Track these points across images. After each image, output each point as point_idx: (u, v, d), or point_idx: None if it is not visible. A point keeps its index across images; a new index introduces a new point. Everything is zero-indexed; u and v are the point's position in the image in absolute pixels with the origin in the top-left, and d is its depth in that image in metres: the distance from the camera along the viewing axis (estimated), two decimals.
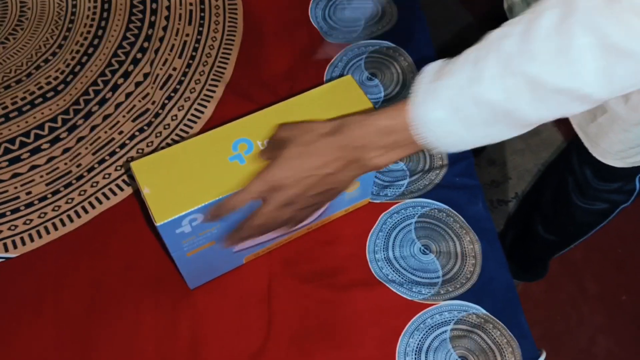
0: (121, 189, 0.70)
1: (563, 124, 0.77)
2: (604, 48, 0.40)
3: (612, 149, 0.76)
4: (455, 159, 0.74)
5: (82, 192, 0.70)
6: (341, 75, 0.81)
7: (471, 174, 0.74)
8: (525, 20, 0.44)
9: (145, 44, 0.83)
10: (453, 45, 1.55)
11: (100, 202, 0.69)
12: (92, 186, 0.70)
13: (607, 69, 0.41)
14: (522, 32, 0.44)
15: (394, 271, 0.65)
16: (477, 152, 1.37)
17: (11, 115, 0.76)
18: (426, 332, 0.61)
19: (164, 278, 0.64)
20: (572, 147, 0.90)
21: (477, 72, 0.45)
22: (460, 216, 0.70)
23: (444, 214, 0.70)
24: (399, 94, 0.80)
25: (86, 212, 0.68)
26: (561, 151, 1.00)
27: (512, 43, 0.44)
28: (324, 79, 0.81)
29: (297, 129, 0.54)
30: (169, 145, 0.74)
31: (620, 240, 1.49)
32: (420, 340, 0.61)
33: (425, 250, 0.67)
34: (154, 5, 0.88)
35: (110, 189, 0.70)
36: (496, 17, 0.88)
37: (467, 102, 0.46)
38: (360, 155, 0.52)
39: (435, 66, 0.49)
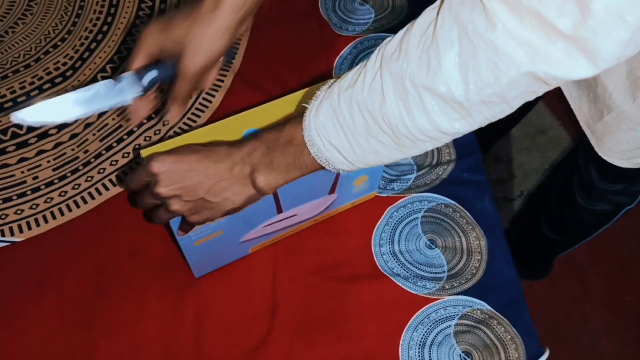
0: None
1: (571, 123, 0.76)
2: (464, 38, 0.40)
3: (617, 148, 0.76)
4: (463, 154, 0.74)
5: (89, 179, 0.70)
6: (350, 67, 0.81)
7: (479, 170, 0.73)
8: (411, 23, 0.45)
9: None
10: None
11: (107, 189, 0.69)
12: (99, 172, 0.70)
13: (464, 63, 0.41)
14: (403, 33, 0.45)
15: (399, 265, 0.65)
16: (484, 148, 1.36)
17: (19, 100, 0.76)
18: (430, 326, 0.61)
19: (170, 265, 0.64)
20: (579, 146, 0.89)
21: (357, 76, 0.47)
22: (466, 212, 0.69)
23: (451, 209, 0.69)
24: None
25: (93, 198, 0.68)
26: (569, 151, 1.00)
27: (392, 45, 0.45)
28: (333, 71, 0.81)
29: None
30: (176, 133, 0.74)
31: (624, 242, 1.48)
32: (424, 335, 0.61)
33: (431, 244, 0.67)
34: None
35: (118, 176, 0.70)
36: None
37: (343, 104, 0.47)
38: (249, 168, 0.51)
39: (334, 80, 0.50)
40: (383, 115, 0.45)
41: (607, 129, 0.74)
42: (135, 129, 0.74)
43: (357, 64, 0.80)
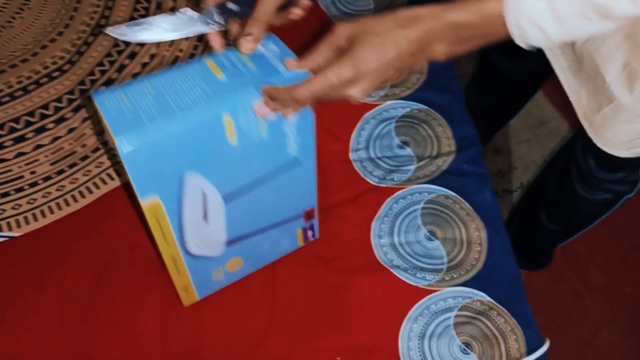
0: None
1: (570, 115, 0.76)
2: None
3: (617, 139, 0.75)
4: (464, 145, 0.74)
5: (87, 173, 0.69)
6: None
7: (479, 162, 0.73)
8: None
9: None
10: None
11: (105, 183, 0.69)
12: (96, 167, 0.70)
13: None
14: None
15: (398, 257, 0.65)
16: (484, 140, 1.36)
17: (16, 94, 0.76)
18: (430, 317, 0.61)
19: None
20: (577, 138, 0.89)
21: None
22: (467, 203, 0.69)
23: (451, 201, 0.69)
24: (407, 79, 0.79)
25: (91, 192, 0.68)
26: (566, 141, 0.99)
27: None
28: None
29: (368, 22, 0.51)
30: None
31: (624, 233, 1.48)
32: (423, 326, 0.61)
33: (431, 236, 0.67)
34: None
35: (116, 170, 0.70)
36: None
37: None
38: (431, 46, 0.50)
39: None
40: None
41: (606, 120, 0.74)
42: None
43: None
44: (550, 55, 0.77)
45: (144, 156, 0.44)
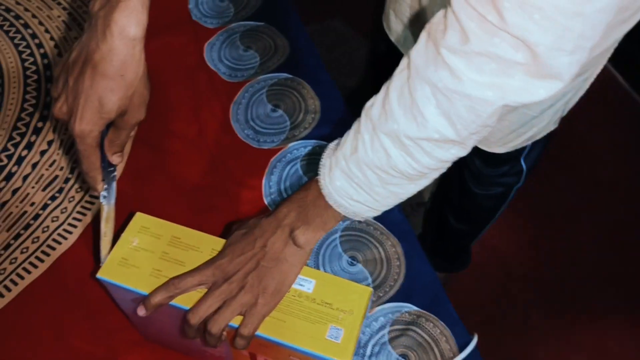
0: (42, 261, 0.69)
1: None
2: (437, 93, 0.47)
3: (493, 138, 0.84)
4: None
5: (2, 271, 0.68)
6: (246, 111, 0.85)
7: None
8: (385, 86, 0.52)
9: (45, 112, 0.83)
10: (343, 65, 1.63)
11: (22, 278, 0.67)
12: (11, 263, 0.68)
13: (445, 111, 0.48)
14: (383, 97, 0.52)
15: None
16: None
17: None
18: (366, 340, 0.65)
19: (102, 337, 0.64)
20: None
21: (356, 141, 0.53)
22: (379, 223, 0.74)
23: (364, 224, 0.74)
24: (303, 120, 0.84)
25: (9, 290, 0.66)
26: None
27: (376, 109, 0.52)
28: (230, 117, 0.84)
29: (243, 224, 0.60)
30: (84, 207, 0.73)
31: (531, 219, 1.60)
32: (361, 351, 0.64)
33: (353, 261, 0.71)
34: (47, 73, 0.87)
35: (31, 263, 0.69)
36: (380, 33, 0.95)
37: (353, 168, 0.54)
38: (289, 229, 0.57)
39: (337, 140, 0.58)
40: (391, 167, 0.52)
41: None
42: (40, 212, 0.73)
43: (251, 107, 0.85)
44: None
45: None
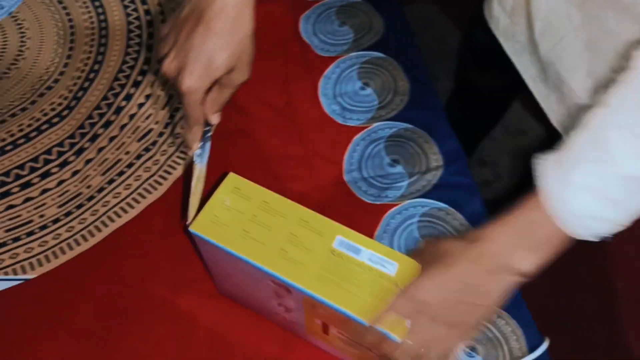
0: (132, 207, 0.73)
1: (545, 121, 0.81)
2: None
3: None
4: (450, 159, 0.78)
5: (94, 212, 0.72)
6: (335, 86, 0.85)
7: (466, 174, 0.77)
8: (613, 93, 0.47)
9: (145, 67, 0.86)
10: (439, 50, 1.60)
11: (112, 221, 0.71)
12: (103, 205, 0.72)
13: None
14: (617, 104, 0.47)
15: None
16: (468, 153, 1.41)
17: (19, 142, 0.78)
18: None
19: (181, 286, 0.67)
20: (554, 142, 0.93)
21: (604, 154, 0.47)
22: (459, 214, 0.73)
23: (444, 212, 0.73)
24: (391, 101, 0.83)
25: (99, 230, 0.71)
26: (539, 143, 1.04)
27: (619, 114, 0.47)
28: (319, 91, 0.84)
29: (439, 248, 0.53)
30: (175, 162, 0.76)
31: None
32: None
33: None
34: (150, 29, 0.91)
35: (122, 208, 0.72)
36: (479, 21, 0.92)
37: (610, 182, 0.47)
38: (503, 262, 0.50)
39: (551, 158, 0.50)
40: None
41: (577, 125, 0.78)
42: (134, 161, 0.76)
43: (340, 82, 0.85)
44: (519, 67, 0.81)
45: None
